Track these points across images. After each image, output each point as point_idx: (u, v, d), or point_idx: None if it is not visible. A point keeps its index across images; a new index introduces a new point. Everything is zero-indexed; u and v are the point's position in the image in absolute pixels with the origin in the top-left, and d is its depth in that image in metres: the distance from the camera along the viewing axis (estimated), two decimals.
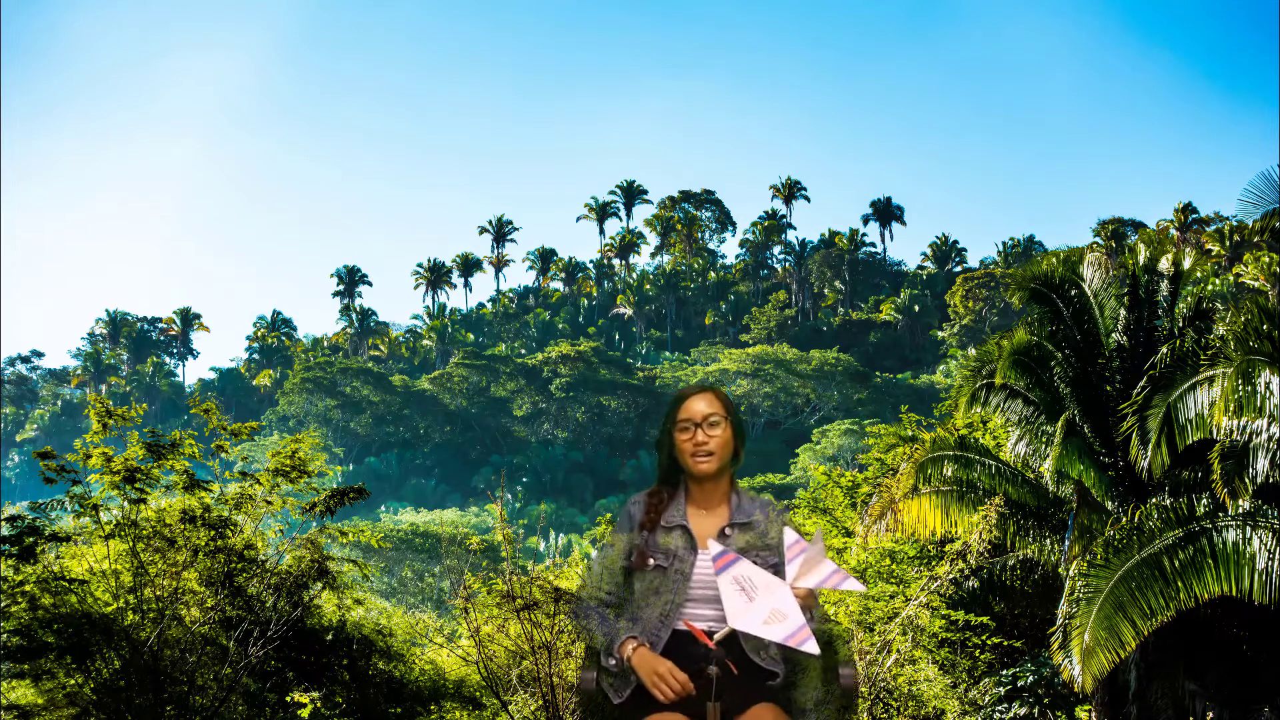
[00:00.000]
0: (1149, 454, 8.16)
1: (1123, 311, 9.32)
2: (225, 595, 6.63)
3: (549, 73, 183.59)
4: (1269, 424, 7.51)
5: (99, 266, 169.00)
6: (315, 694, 7.24)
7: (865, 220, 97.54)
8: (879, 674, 7.45)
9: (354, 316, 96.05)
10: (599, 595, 2.98)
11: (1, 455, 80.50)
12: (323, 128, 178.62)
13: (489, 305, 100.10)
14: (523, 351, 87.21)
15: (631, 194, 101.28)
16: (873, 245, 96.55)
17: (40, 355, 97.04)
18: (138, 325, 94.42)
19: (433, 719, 7.71)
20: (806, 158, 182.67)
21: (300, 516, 7.13)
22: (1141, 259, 9.45)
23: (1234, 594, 7.37)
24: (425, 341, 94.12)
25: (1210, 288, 40.58)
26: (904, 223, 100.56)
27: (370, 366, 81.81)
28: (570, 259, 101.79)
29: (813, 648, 2.60)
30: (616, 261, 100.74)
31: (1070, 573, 7.94)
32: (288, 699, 7.10)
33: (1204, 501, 7.90)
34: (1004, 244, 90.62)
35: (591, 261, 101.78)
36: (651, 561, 2.92)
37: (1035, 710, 9.05)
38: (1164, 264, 9.34)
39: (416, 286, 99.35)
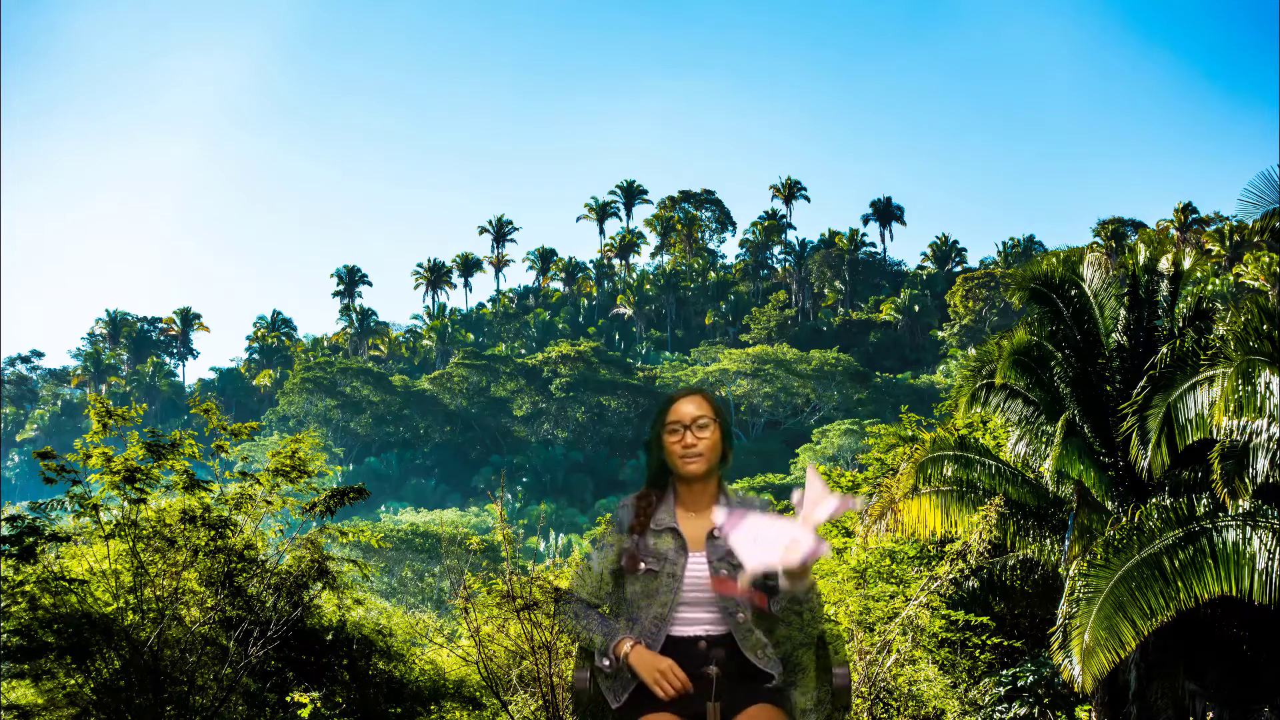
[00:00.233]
0: (1149, 454, 8.16)
1: (1123, 311, 9.32)
2: (225, 595, 6.63)
3: (549, 73, 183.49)
4: (1269, 424, 7.52)
5: (99, 266, 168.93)
6: (315, 694, 7.24)
7: (865, 220, 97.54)
8: (879, 674, 7.45)
9: (354, 316, 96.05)
10: (592, 599, 2.98)
11: (1, 455, 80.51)
12: (323, 128, 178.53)
13: (489, 305, 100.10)
14: (523, 351, 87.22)
15: (631, 194, 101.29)
16: (873, 245, 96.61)
17: (40, 355, 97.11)
18: (138, 325, 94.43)
19: (433, 719, 7.72)
20: (806, 158, 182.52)
21: (300, 516, 7.13)
22: (1141, 259, 9.45)
23: (1234, 594, 7.37)
24: (425, 341, 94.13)
25: (1210, 288, 40.57)
26: (904, 223, 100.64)
27: (370, 366, 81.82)
28: (570, 259, 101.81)
29: (824, 550, 2.57)
30: (616, 261, 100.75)
31: (1070, 573, 7.94)
32: (288, 699, 7.10)
33: (1204, 501, 7.90)
34: (1004, 244, 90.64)
35: (591, 261, 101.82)
36: (642, 565, 2.91)
37: (1035, 710, 9.05)
38: (1164, 264, 9.34)
39: (416, 286, 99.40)
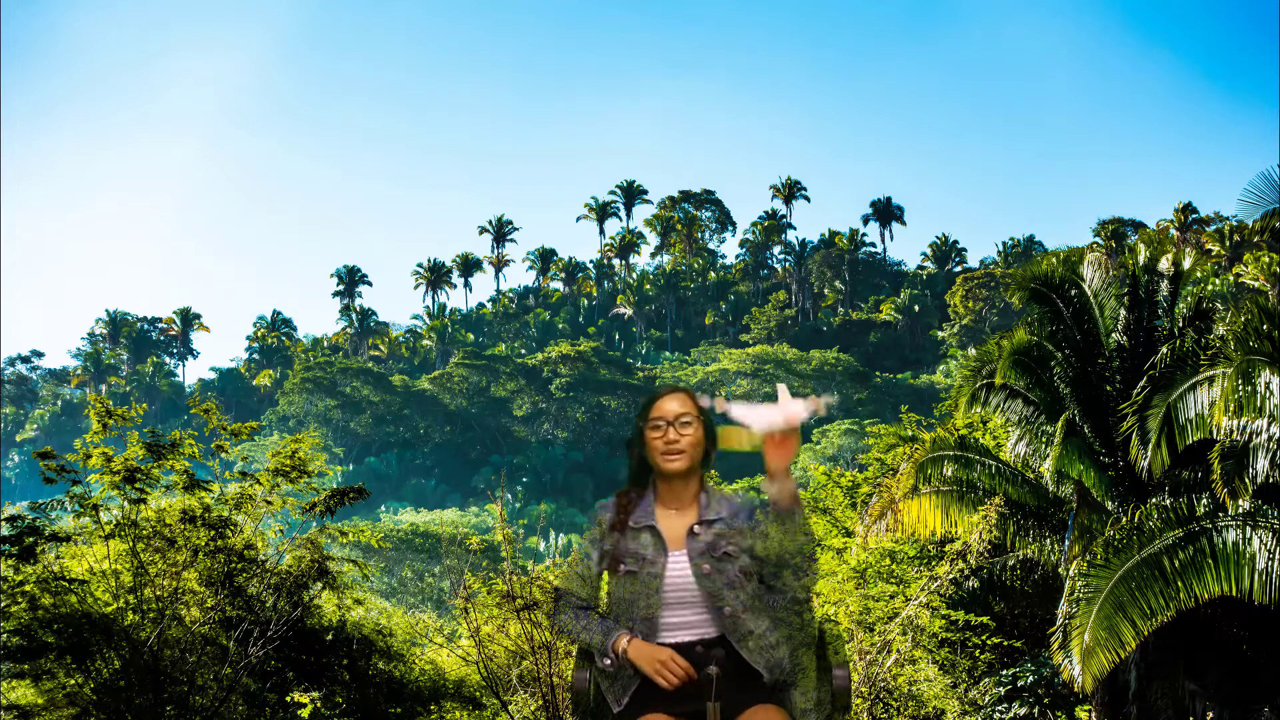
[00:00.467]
0: (1149, 454, 8.16)
1: (1123, 311, 9.32)
2: (225, 595, 6.63)
3: (549, 73, 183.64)
4: (1269, 424, 7.52)
5: (99, 266, 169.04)
6: (315, 694, 7.24)
7: (865, 220, 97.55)
8: (879, 674, 7.45)
9: (354, 316, 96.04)
10: (587, 601, 2.98)
11: (1, 455, 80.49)
12: (323, 128, 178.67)
13: (489, 305, 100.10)
14: (523, 351, 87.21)
15: (631, 194, 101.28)
16: (873, 245, 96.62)
17: (40, 355, 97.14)
18: (138, 325, 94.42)
19: (433, 719, 7.71)
20: (806, 158, 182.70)
21: (300, 516, 7.13)
22: (1141, 259, 9.45)
23: (1234, 594, 7.37)
24: (425, 341, 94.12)
25: (1210, 288, 40.57)
26: (904, 223, 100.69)
27: (370, 366, 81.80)
28: (570, 259, 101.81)
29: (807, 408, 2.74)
30: (616, 261, 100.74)
31: (1070, 573, 7.94)
32: (288, 699, 7.10)
33: (1204, 501, 7.90)
34: (1004, 244, 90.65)
35: (591, 261, 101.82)
36: (622, 568, 2.90)
37: (1035, 710, 9.05)
38: (1164, 264, 9.34)
39: (416, 286, 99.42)
